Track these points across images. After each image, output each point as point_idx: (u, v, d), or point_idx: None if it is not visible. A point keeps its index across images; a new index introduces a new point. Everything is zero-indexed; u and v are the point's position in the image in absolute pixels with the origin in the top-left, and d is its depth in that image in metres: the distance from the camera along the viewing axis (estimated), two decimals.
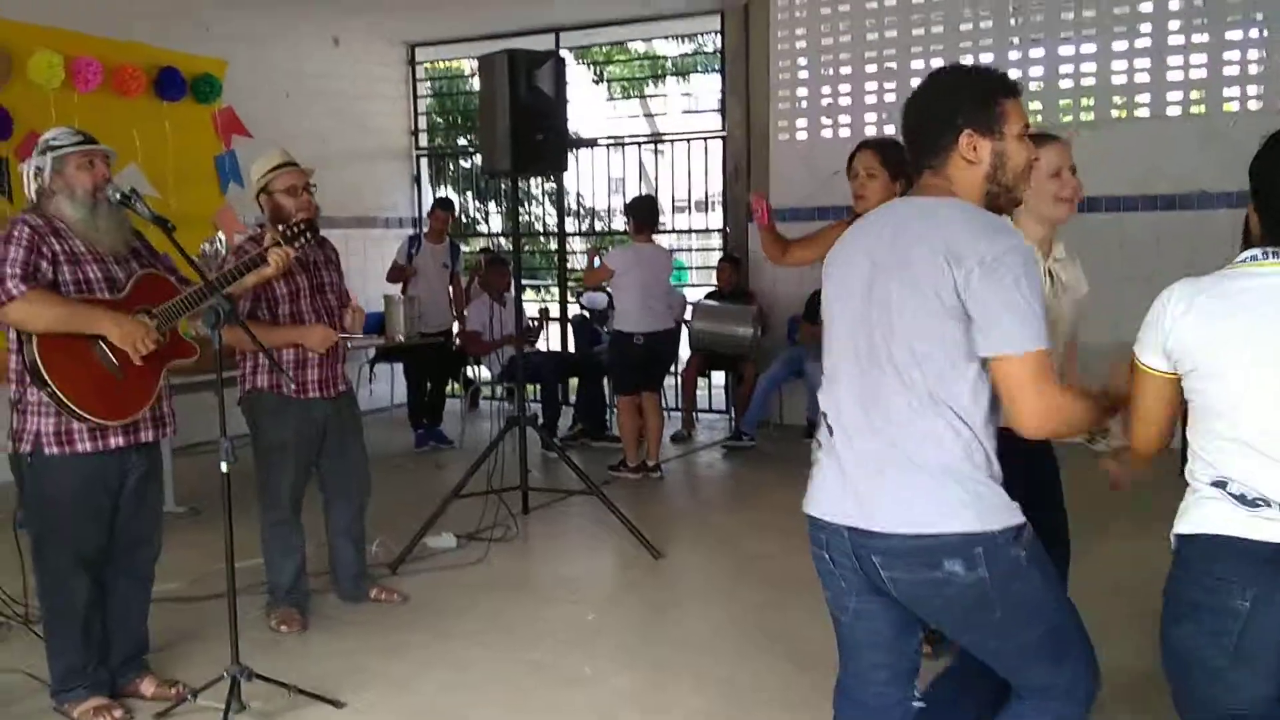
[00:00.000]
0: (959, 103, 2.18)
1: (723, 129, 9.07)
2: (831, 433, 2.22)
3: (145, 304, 3.44)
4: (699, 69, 10.51)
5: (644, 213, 6.99)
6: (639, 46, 11.15)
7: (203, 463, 5.96)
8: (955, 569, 2.06)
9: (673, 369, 8.72)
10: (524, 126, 5.13)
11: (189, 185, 8.03)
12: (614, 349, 7.14)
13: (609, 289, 7.21)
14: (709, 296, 8.43)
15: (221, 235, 7.17)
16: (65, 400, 3.24)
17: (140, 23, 7.65)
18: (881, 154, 3.95)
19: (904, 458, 2.09)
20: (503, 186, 11.93)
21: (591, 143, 9.71)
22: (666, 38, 10.18)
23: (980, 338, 2.02)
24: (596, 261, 7.09)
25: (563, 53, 8.43)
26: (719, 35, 9.09)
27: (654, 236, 7.08)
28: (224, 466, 3.39)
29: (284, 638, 4.28)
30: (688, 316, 8.04)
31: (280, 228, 4.04)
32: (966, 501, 2.06)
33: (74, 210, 3.40)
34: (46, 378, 3.22)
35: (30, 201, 3.48)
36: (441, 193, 10.65)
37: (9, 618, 4.36)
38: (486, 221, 12.48)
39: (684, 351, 8.20)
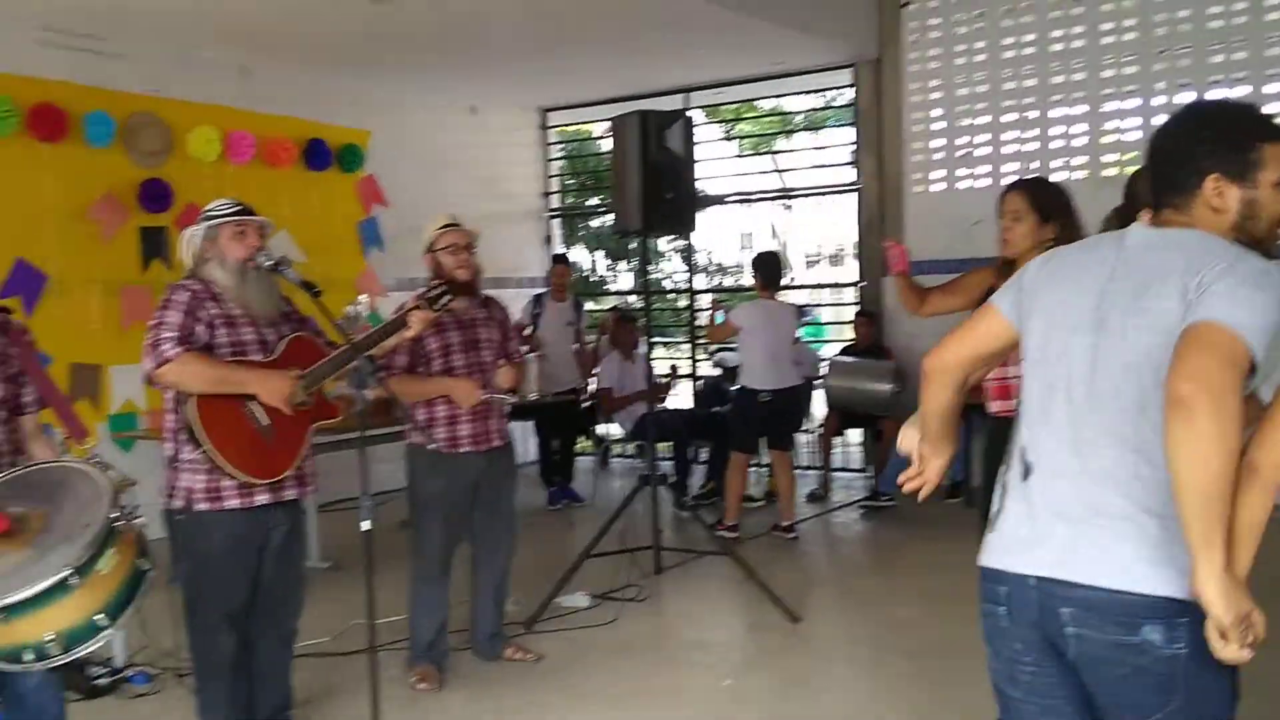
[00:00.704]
0: (1207, 143, 1.98)
1: (856, 182, 8.98)
2: (1027, 475, 2.04)
3: (295, 366, 3.54)
4: (830, 123, 10.45)
5: (769, 269, 6.93)
6: (768, 103, 11.19)
7: (344, 519, 6.08)
8: (1153, 637, 1.85)
9: (807, 427, 8.61)
10: (654, 186, 5.16)
11: (334, 251, 8.35)
12: (738, 405, 7.05)
13: (735, 346, 7.13)
14: (844, 352, 8.31)
15: (364, 298, 7.41)
16: (218, 458, 3.34)
17: (291, 97, 8.03)
18: (1030, 195, 3.82)
19: (1120, 508, 1.89)
20: (632, 245, 12.09)
21: (721, 199, 9.73)
22: (796, 93, 10.16)
23: (1190, 314, 1.80)
24: (719, 317, 7.05)
25: (692, 111, 8.49)
26: (851, 89, 9.04)
27: (783, 292, 7.01)
28: (365, 524, 3.43)
29: (422, 695, 4.30)
30: (823, 373, 7.92)
31: (422, 290, 4.13)
32: (1181, 564, 1.80)
33: (225, 277, 3.54)
34: (201, 437, 3.33)
35: (188, 268, 3.64)
36: (573, 252, 10.81)
37: (162, 670, 4.51)
38: (616, 279, 12.60)
39: (820, 409, 8.08)
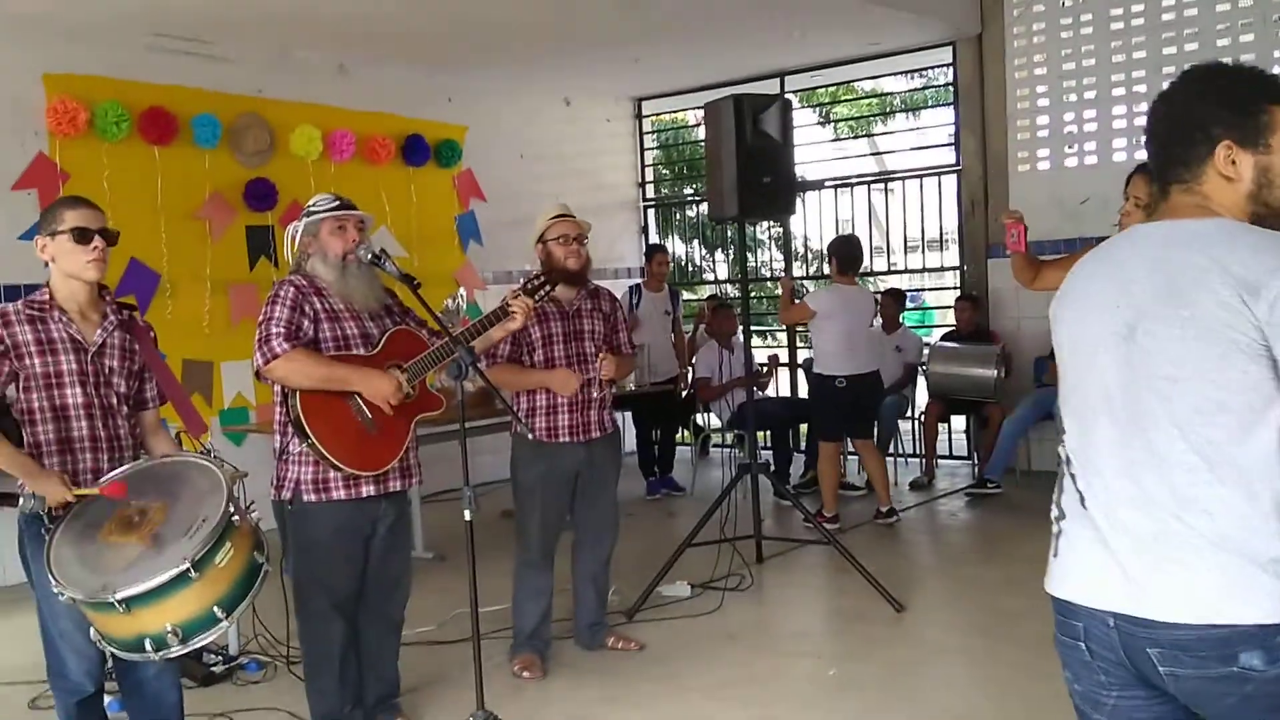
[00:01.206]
0: (1216, 108, 1.85)
1: (957, 163, 8.76)
2: (1083, 502, 1.88)
3: (397, 358, 3.59)
4: (929, 104, 10.22)
5: (846, 254, 6.79)
6: (865, 85, 10.98)
7: (449, 510, 6.16)
8: (1254, 663, 1.71)
9: (910, 414, 8.45)
10: (750, 171, 5.10)
11: (433, 245, 8.47)
12: (816, 393, 6.94)
13: (809, 331, 7.00)
14: (946, 338, 8.13)
15: (463, 291, 7.49)
16: (324, 452, 3.40)
17: (389, 95, 8.15)
18: None
19: (1189, 532, 1.74)
20: (729, 233, 11.99)
21: (818, 184, 9.59)
22: (894, 74, 9.95)
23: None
24: (796, 301, 6.92)
25: (788, 96, 8.38)
26: (950, 68, 8.82)
27: (874, 277, 6.87)
28: (467, 515, 3.45)
29: (525, 684, 4.33)
30: (925, 360, 7.75)
31: (524, 281, 4.14)
32: (1267, 587, 1.70)
33: (327, 271, 3.60)
34: (308, 430, 3.39)
35: (292, 264, 3.71)
36: (669, 241, 10.77)
37: (273, 658, 4.62)
38: (713, 269, 12.52)
39: (923, 396, 7.92)
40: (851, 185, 9.45)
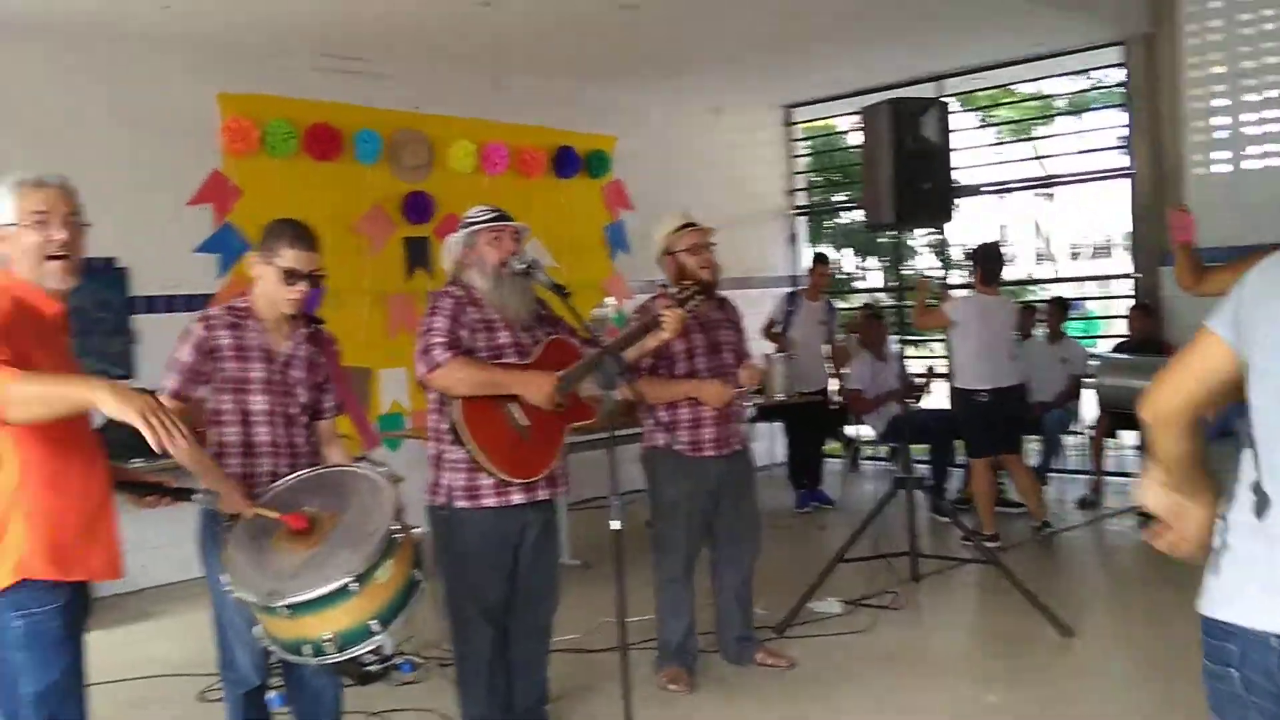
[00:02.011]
0: None
1: (1128, 167, 8.34)
2: (1262, 511, 1.74)
3: (551, 367, 3.60)
4: (1095, 105, 9.79)
5: (988, 262, 6.52)
6: (1027, 87, 10.60)
7: (594, 518, 6.17)
8: None
9: (1077, 428, 8.07)
10: (907, 177, 4.94)
11: (582, 255, 8.54)
12: (960, 408, 6.65)
13: (949, 338, 6.72)
14: (1118, 349, 7.73)
15: (612, 300, 7.53)
16: (481, 457, 3.44)
17: (542, 108, 8.27)
18: None
19: None
20: (880, 241, 11.74)
21: (976, 190, 9.28)
22: (1058, 75, 9.56)
23: None
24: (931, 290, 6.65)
25: (945, 99, 8.13)
26: (1121, 67, 8.41)
27: (1030, 287, 6.58)
28: (615, 525, 3.42)
29: (675, 697, 4.28)
30: (1090, 371, 7.39)
31: (674, 291, 4.11)
32: None
33: (482, 281, 3.63)
34: (466, 436, 3.43)
35: (449, 275, 3.76)
36: (819, 249, 10.60)
37: (427, 659, 4.70)
38: (865, 277, 12.28)
39: (1091, 410, 7.56)
40: (1011, 190, 9.13)
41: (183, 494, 2.91)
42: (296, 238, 3.26)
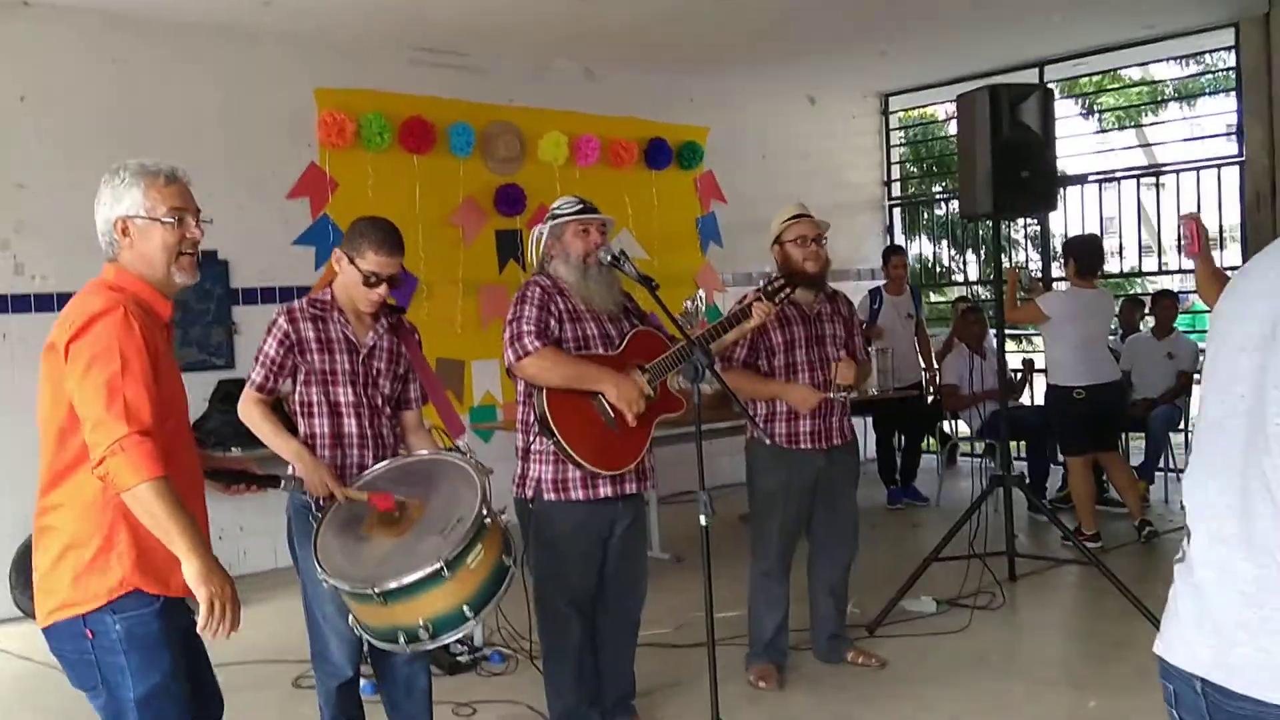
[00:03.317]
0: None
1: (1239, 155, 8.00)
2: (1188, 540, 1.61)
3: (638, 359, 3.58)
4: (1206, 91, 9.40)
5: (1085, 255, 6.28)
6: (1133, 73, 10.24)
7: (685, 512, 6.13)
8: None
9: (1183, 426, 7.76)
10: (1006, 165, 4.79)
11: (673, 247, 8.50)
12: (1054, 405, 6.42)
13: (1044, 334, 6.49)
14: None
15: (702, 293, 7.47)
16: (569, 450, 3.43)
17: (634, 99, 8.25)
18: None
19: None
20: (980, 231, 11.46)
21: (1081, 179, 8.99)
22: (1165, 60, 9.21)
23: None
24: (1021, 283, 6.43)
25: (1049, 85, 7.89)
26: (1233, 51, 8.06)
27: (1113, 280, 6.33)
28: (703, 520, 3.38)
29: (763, 694, 4.23)
30: (1201, 367, 7.10)
31: (764, 283, 4.05)
32: None
33: (569, 272, 3.62)
34: (554, 428, 3.42)
35: (536, 266, 3.76)
36: (916, 241, 10.40)
37: (516, 651, 4.72)
38: (964, 270, 11.99)
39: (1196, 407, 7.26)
40: (1118, 179, 8.82)
41: (269, 481, 2.95)
42: (382, 242, 3.28)
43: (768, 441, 4.19)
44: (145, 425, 2.26)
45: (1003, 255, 12.15)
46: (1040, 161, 4.88)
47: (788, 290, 4.01)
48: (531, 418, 3.56)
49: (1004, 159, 4.76)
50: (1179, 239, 4.02)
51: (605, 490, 3.57)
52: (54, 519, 2.42)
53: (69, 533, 2.39)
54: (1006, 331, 9.49)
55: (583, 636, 3.70)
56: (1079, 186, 8.90)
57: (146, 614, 2.37)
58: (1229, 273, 3.14)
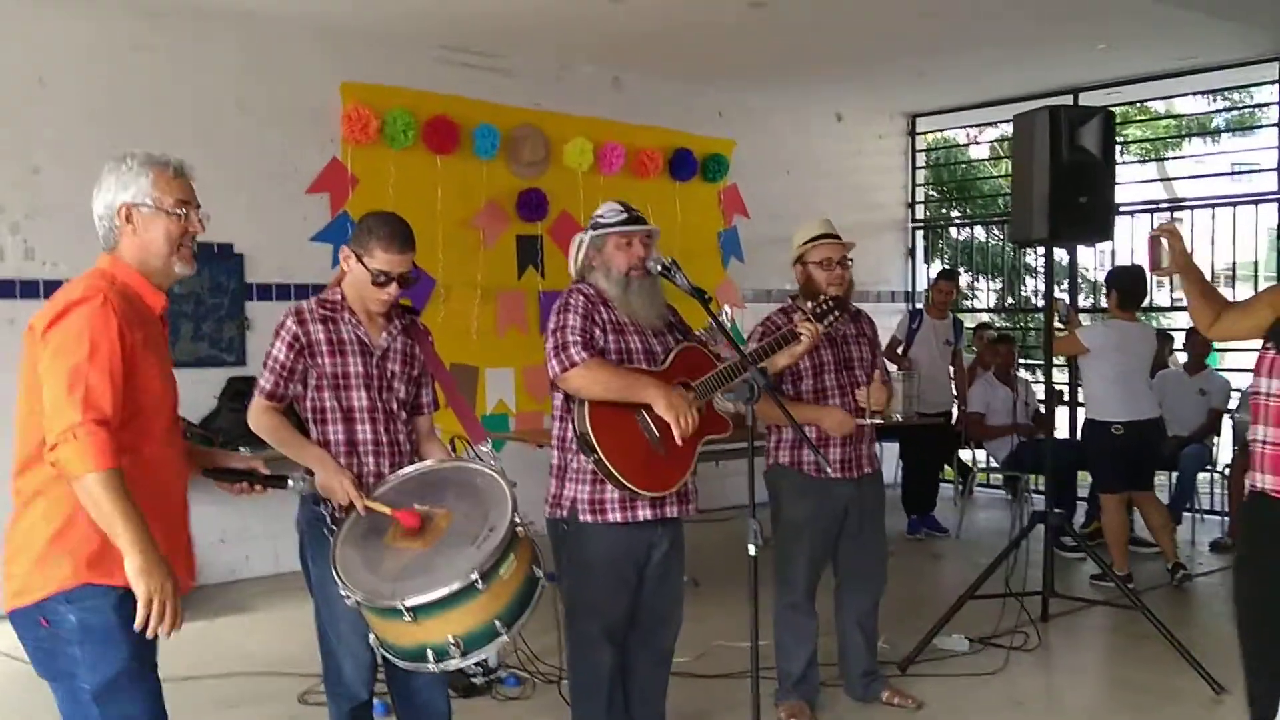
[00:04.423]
0: None
1: (1276, 191, 7.84)
2: None
3: (684, 376, 3.39)
4: (1236, 127, 9.28)
5: (1129, 286, 6.10)
6: (1158, 106, 10.11)
7: (703, 532, 5.94)
8: None
9: (1212, 465, 7.58)
10: (1064, 190, 4.62)
11: (693, 261, 8.24)
12: (1091, 441, 6.21)
13: (1082, 366, 6.32)
14: None
15: (726, 309, 7.29)
16: (611, 469, 3.23)
17: (660, 108, 8.09)
18: None
19: None
20: (1003, 259, 11.32)
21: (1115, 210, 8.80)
22: (1201, 93, 9.08)
23: None
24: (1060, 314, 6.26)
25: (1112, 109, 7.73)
26: (1276, 85, 7.92)
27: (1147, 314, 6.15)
28: (751, 549, 3.19)
29: None
30: (1232, 406, 6.95)
31: (810, 304, 3.86)
32: None
33: (609, 286, 3.43)
34: (595, 445, 3.22)
35: (575, 274, 3.56)
36: (934, 265, 10.23)
37: (531, 675, 4.52)
38: (974, 297, 11.84)
39: (1229, 446, 7.10)
40: (1134, 213, 8.66)
41: (277, 481, 2.78)
42: (391, 238, 3.06)
43: (829, 472, 3.98)
44: (103, 415, 2.24)
45: (1018, 283, 12.05)
46: (1099, 188, 4.71)
47: (836, 315, 3.82)
48: (570, 434, 3.37)
49: (1062, 183, 4.59)
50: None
51: (644, 513, 3.37)
52: (20, 503, 2.38)
53: (33, 518, 2.35)
54: (1028, 361, 9.38)
55: (614, 666, 3.49)
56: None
57: (103, 604, 2.31)
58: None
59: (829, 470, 4.00)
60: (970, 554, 6.72)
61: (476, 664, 4.43)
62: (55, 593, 2.31)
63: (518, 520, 2.72)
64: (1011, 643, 4.93)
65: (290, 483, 2.85)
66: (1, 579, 2.40)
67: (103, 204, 2.46)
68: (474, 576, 2.58)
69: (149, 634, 2.27)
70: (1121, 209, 8.76)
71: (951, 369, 7.98)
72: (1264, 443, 3.01)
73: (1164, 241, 3.35)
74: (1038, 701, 4.39)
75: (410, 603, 2.59)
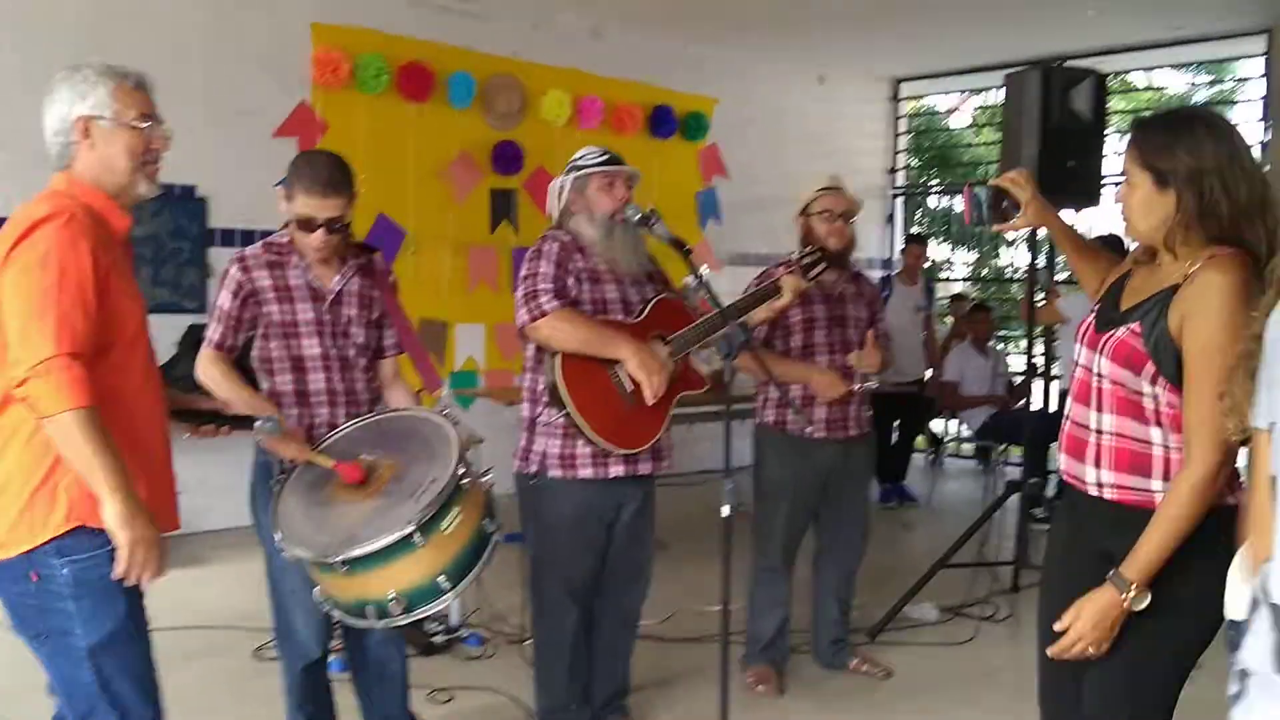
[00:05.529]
0: None
1: (1261, 161, 7.78)
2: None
3: (660, 329, 3.27)
4: (1214, 103, 9.21)
5: (1112, 254, 6.00)
6: (1138, 80, 10.02)
7: (671, 495, 5.84)
8: None
9: None
10: (1053, 153, 4.51)
11: (671, 221, 7.97)
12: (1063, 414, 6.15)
13: (1060, 336, 6.26)
14: None
15: (704, 269, 7.15)
16: (582, 423, 3.10)
17: (641, 63, 7.89)
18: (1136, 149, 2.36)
19: None
20: (974, 230, 11.24)
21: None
22: (1187, 65, 9.01)
23: None
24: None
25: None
26: (1263, 58, 7.83)
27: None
28: (725, 509, 3.07)
29: (761, 699, 3.95)
30: None
31: (796, 255, 3.75)
32: None
33: (591, 230, 3.30)
34: (566, 399, 3.09)
35: (553, 220, 3.43)
36: (914, 231, 10.15)
37: (495, 634, 4.42)
38: (950, 267, 11.80)
39: None
40: (1116, 185, 8.58)
41: (243, 422, 2.65)
42: (312, 181, 2.87)
43: (785, 427, 3.90)
44: (76, 348, 2.06)
45: (994, 252, 11.98)
46: (1089, 153, 4.60)
47: (823, 266, 3.72)
48: (540, 386, 3.24)
49: (1051, 146, 4.47)
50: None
51: (616, 469, 3.26)
52: None
53: (9, 464, 2.17)
54: (1012, 334, 9.33)
55: (579, 628, 3.39)
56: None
57: (99, 555, 2.15)
58: None
59: (809, 430, 3.90)
60: (940, 524, 6.67)
61: (435, 622, 4.36)
62: (46, 543, 2.15)
63: (462, 472, 2.58)
64: (982, 613, 4.88)
65: (257, 423, 2.71)
66: None
67: (56, 117, 2.26)
68: (410, 529, 2.45)
69: (127, 583, 2.17)
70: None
71: (923, 335, 7.89)
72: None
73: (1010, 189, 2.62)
74: (1007, 672, 4.32)
75: (342, 556, 2.46)
